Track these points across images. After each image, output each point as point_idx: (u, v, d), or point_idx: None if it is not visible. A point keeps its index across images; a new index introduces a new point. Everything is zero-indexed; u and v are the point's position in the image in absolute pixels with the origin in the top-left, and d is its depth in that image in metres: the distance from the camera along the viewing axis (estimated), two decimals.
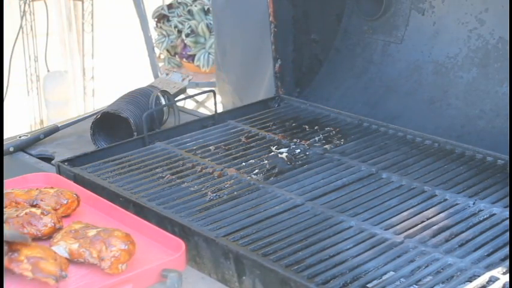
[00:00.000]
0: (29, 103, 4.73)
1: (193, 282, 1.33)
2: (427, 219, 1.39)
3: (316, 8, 2.09)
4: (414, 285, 1.19)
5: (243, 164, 1.65)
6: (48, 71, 4.69)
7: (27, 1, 4.53)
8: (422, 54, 1.96)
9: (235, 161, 1.67)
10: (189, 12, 4.06)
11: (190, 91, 3.33)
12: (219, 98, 2.73)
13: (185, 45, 4.03)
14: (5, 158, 1.87)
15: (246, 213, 1.42)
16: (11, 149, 1.91)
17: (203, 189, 1.53)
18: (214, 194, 1.50)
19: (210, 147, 1.75)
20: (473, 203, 1.45)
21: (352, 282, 1.20)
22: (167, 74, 2.42)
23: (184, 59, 4.10)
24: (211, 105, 2.32)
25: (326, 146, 1.75)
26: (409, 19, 2.00)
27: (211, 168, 1.63)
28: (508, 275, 1.20)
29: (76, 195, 1.45)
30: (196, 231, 1.34)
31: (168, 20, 4.13)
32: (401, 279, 1.21)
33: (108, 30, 5.06)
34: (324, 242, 1.31)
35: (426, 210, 1.43)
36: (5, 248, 1.17)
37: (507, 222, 1.37)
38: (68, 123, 2.06)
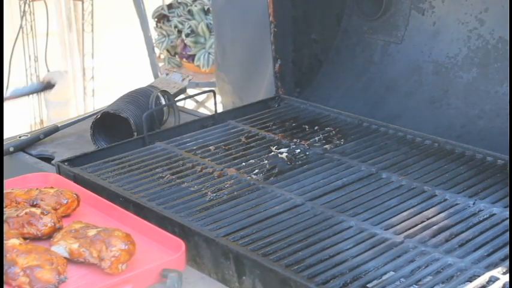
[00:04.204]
0: (29, 103, 4.72)
1: (193, 282, 1.33)
2: (427, 219, 1.39)
3: (316, 8, 2.09)
4: (414, 285, 1.19)
5: (243, 164, 1.65)
6: (48, 71, 4.69)
7: (27, 1, 4.53)
8: (422, 54, 1.96)
9: (235, 161, 1.67)
10: (189, 12, 4.07)
11: (190, 91, 3.33)
12: (219, 98, 2.72)
13: (185, 45, 4.03)
14: (5, 158, 1.87)
15: (246, 213, 1.42)
16: (11, 149, 1.90)
17: (203, 189, 1.53)
18: (214, 194, 1.50)
19: (210, 147, 1.75)
20: (473, 203, 1.45)
21: (352, 282, 1.19)
22: (167, 74, 2.41)
23: (184, 59, 4.10)
24: (211, 105, 2.32)
25: (326, 146, 1.75)
26: (409, 19, 2.00)
27: (211, 168, 1.63)
28: (508, 275, 1.20)
29: (76, 195, 1.46)
30: (196, 231, 1.34)
31: (168, 20, 4.13)
32: (401, 279, 1.21)
33: (108, 30, 5.06)
34: (324, 242, 1.31)
35: (426, 210, 1.43)
36: None
37: (507, 222, 1.37)
38: (68, 123, 2.05)
